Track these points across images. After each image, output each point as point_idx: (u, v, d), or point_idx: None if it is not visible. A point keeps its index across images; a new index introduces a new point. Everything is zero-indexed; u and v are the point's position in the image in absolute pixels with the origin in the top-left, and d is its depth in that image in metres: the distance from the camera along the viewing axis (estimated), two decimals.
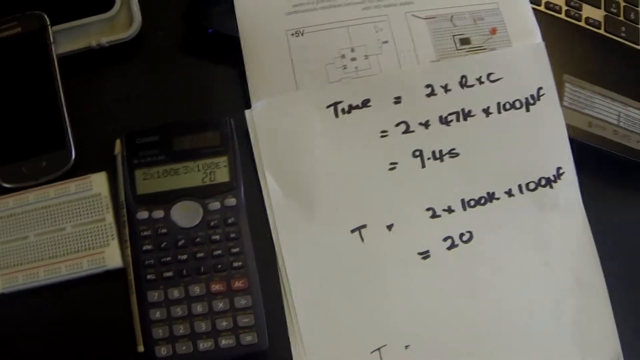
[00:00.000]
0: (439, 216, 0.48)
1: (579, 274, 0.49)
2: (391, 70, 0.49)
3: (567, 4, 0.55)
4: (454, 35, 0.50)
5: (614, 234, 0.52)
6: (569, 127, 0.51)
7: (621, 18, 0.55)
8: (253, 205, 0.48)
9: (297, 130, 0.48)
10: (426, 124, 0.49)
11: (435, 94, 0.49)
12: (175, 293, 0.46)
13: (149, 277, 0.46)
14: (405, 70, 0.49)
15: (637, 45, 0.55)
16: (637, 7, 0.56)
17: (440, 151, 0.49)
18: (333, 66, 0.49)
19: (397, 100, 0.49)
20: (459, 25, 0.51)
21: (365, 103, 0.48)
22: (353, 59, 0.49)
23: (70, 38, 0.50)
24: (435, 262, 0.48)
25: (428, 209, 0.49)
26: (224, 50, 0.50)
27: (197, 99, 0.51)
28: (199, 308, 0.46)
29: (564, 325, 0.49)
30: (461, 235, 0.49)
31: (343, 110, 0.48)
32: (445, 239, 0.48)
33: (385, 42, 0.49)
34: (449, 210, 0.49)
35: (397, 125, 0.49)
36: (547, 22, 0.53)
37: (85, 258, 0.47)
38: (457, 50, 0.50)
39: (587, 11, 0.55)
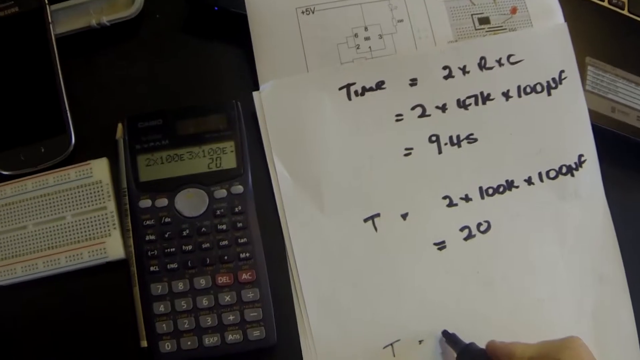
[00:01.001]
0: (455, 205, 0.46)
1: (600, 267, 0.48)
2: (407, 50, 0.47)
3: None
4: (472, 15, 0.48)
5: (635, 224, 0.50)
6: (591, 112, 0.49)
7: None
8: (261, 192, 0.46)
9: (307, 114, 0.46)
10: (443, 108, 0.47)
11: (452, 76, 0.47)
12: (180, 286, 0.44)
13: (152, 268, 0.44)
14: (422, 51, 0.47)
15: None
16: None
17: (458, 136, 0.47)
18: (345, 46, 0.46)
19: (413, 83, 0.46)
20: (477, 4, 0.48)
21: (380, 85, 0.46)
22: (367, 39, 0.46)
23: (69, 17, 0.49)
24: (451, 252, 0.46)
25: (444, 197, 0.46)
26: (231, 29, 0.48)
27: (202, 81, 0.49)
28: (204, 301, 0.44)
29: (583, 318, 0.47)
30: (479, 225, 0.46)
31: (356, 93, 0.46)
32: (462, 229, 0.46)
33: (401, 20, 0.47)
34: (467, 198, 0.47)
35: (413, 108, 0.46)
36: (569, 2, 0.51)
37: (86, 249, 0.45)
38: (475, 30, 0.48)
39: None
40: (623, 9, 0.52)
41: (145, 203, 0.45)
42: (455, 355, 0.43)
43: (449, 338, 0.44)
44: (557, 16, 0.49)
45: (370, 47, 0.46)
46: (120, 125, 0.46)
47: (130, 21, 0.48)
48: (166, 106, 0.47)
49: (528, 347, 0.39)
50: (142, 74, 0.49)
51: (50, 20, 0.47)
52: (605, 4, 0.52)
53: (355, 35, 0.46)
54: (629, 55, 0.51)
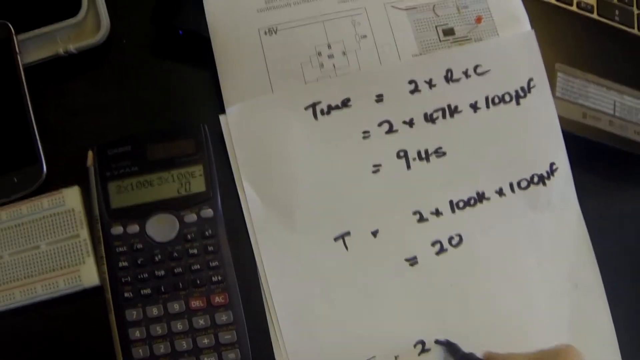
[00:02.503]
0: (426, 220, 0.46)
1: (575, 274, 0.48)
2: (371, 66, 0.46)
3: None
4: (436, 26, 0.48)
5: (612, 230, 0.50)
6: (562, 119, 0.48)
7: (615, 1, 0.53)
8: (231, 215, 0.46)
9: (274, 135, 0.46)
10: (410, 123, 0.47)
11: (419, 90, 0.47)
12: (154, 311, 0.44)
13: (126, 295, 0.45)
14: (387, 66, 0.47)
15: (632, 29, 0.52)
16: None
17: (426, 151, 0.47)
18: (309, 65, 0.46)
19: (379, 99, 0.46)
20: (441, 15, 0.48)
21: (346, 103, 0.46)
22: (330, 56, 0.46)
23: (36, 46, 0.49)
24: (423, 268, 0.46)
25: (415, 213, 0.46)
26: (197, 52, 0.48)
27: (171, 105, 0.49)
28: (179, 326, 0.44)
29: (560, 326, 0.47)
30: (450, 239, 0.46)
31: (322, 111, 0.46)
32: (433, 244, 0.46)
33: (364, 36, 0.47)
34: (437, 213, 0.46)
35: (380, 125, 0.46)
36: (536, 7, 0.50)
37: (61, 277, 0.45)
38: (440, 41, 0.48)
39: None
40: (592, 13, 0.52)
41: (117, 230, 0.45)
42: None
43: (449, 347, 0.45)
44: (524, 23, 0.49)
45: (334, 64, 0.46)
46: (90, 153, 0.46)
47: (97, 48, 0.48)
48: (136, 131, 0.47)
49: (525, 357, 0.40)
50: (111, 100, 0.49)
51: (17, 50, 0.47)
52: (574, 8, 0.52)
53: (319, 53, 0.46)
54: (600, 59, 0.51)
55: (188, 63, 0.49)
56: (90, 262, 0.45)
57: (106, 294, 0.45)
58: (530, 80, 0.48)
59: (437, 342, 0.45)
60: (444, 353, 0.46)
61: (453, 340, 0.45)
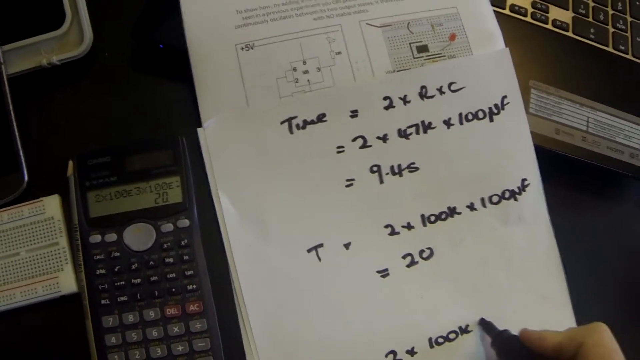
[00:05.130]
0: (397, 233, 0.47)
1: (544, 287, 0.48)
2: (345, 82, 0.47)
3: (533, 6, 0.53)
4: (410, 43, 0.49)
5: (583, 244, 0.51)
6: (535, 135, 0.49)
7: (590, 19, 0.53)
8: (208, 225, 0.47)
9: (250, 148, 0.47)
10: (384, 138, 0.48)
11: (393, 107, 0.48)
12: (130, 318, 0.45)
13: (103, 302, 0.46)
14: (362, 82, 0.48)
15: (607, 47, 0.53)
16: (607, 7, 0.54)
17: (399, 166, 0.48)
18: (284, 80, 0.47)
19: (354, 114, 0.47)
20: (415, 33, 0.49)
21: (321, 118, 0.47)
22: (305, 72, 0.47)
23: (20, 57, 0.49)
24: (394, 280, 0.47)
25: (386, 226, 0.47)
26: (177, 66, 0.49)
27: (151, 117, 0.50)
28: (154, 333, 0.45)
29: None
30: (421, 252, 0.47)
31: (298, 126, 0.47)
32: (404, 256, 0.47)
33: (339, 53, 0.48)
34: (409, 226, 0.47)
35: (354, 140, 0.47)
36: (511, 25, 0.51)
37: (40, 283, 0.46)
38: (414, 58, 0.48)
39: (554, 13, 0.53)
40: (567, 31, 0.53)
41: (95, 238, 0.46)
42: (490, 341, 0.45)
43: (485, 325, 0.46)
44: (498, 42, 0.50)
45: (308, 80, 0.47)
46: (71, 163, 0.47)
47: (80, 60, 0.49)
48: (117, 142, 0.48)
49: (557, 333, 0.42)
50: (93, 111, 0.50)
51: (2, 60, 0.48)
52: (549, 26, 0.52)
53: (294, 69, 0.47)
54: (574, 77, 0.52)
55: (168, 76, 0.50)
56: (69, 269, 0.46)
57: (84, 300, 0.46)
58: (504, 97, 0.49)
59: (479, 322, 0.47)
60: (481, 332, 0.47)
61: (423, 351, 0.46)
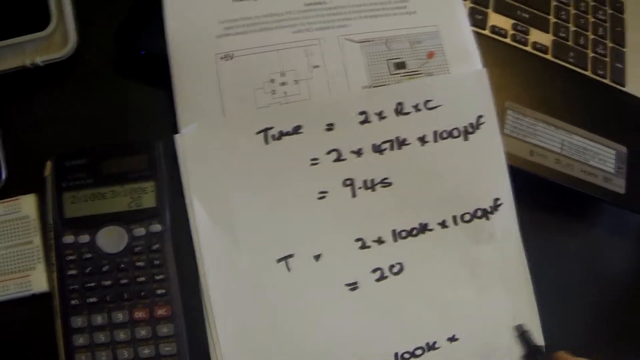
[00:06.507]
0: (368, 247, 0.48)
1: (514, 309, 0.49)
2: (321, 96, 0.48)
3: (513, 28, 0.53)
4: (388, 60, 0.49)
5: (554, 266, 0.51)
6: (510, 155, 0.50)
7: (570, 43, 0.54)
8: (180, 232, 0.47)
9: (225, 157, 0.47)
10: (359, 152, 0.48)
11: (369, 122, 0.48)
12: (99, 319, 0.46)
13: (73, 302, 0.46)
14: (339, 96, 0.48)
15: (586, 71, 0.54)
16: (587, 32, 0.54)
17: (372, 180, 0.48)
18: (262, 91, 0.47)
19: (330, 127, 0.48)
20: (394, 49, 0.49)
21: (297, 129, 0.48)
22: (282, 84, 0.48)
23: (4, 57, 0.50)
24: (363, 293, 0.47)
25: (357, 240, 0.48)
26: (158, 72, 0.49)
27: (130, 121, 0.50)
28: (121, 335, 0.45)
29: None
30: (391, 266, 0.48)
31: (273, 137, 0.47)
32: (374, 271, 0.48)
33: (317, 66, 0.48)
34: (379, 241, 0.48)
35: (329, 153, 0.48)
36: (491, 46, 0.52)
37: (12, 281, 0.47)
38: (391, 75, 0.49)
39: (535, 36, 0.54)
40: (547, 54, 0.53)
41: (69, 239, 0.47)
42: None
43: (522, 334, 0.47)
44: (475, 61, 0.50)
45: (285, 92, 0.48)
46: (49, 163, 0.48)
47: (63, 62, 0.50)
48: (96, 144, 0.48)
49: None
50: (74, 113, 0.50)
51: None
52: (529, 48, 0.53)
53: (272, 80, 0.48)
54: (552, 99, 0.52)
55: (149, 82, 0.51)
56: (41, 268, 0.47)
57: (54, 300, 0.46)
58: (479, 117, 0.49)
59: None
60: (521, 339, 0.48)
61: None
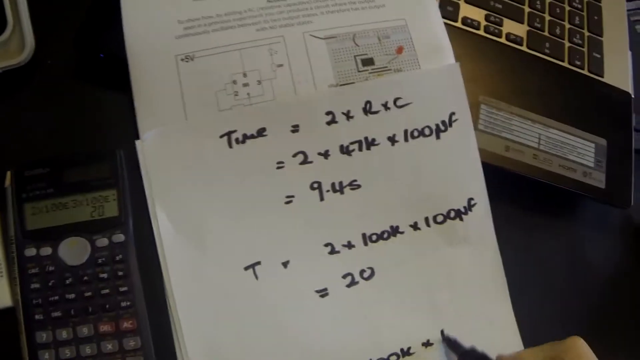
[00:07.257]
0: (337, 252, 0.46)
1: (490, 312, 0.47)
2: (286, 96, 0.46)
3: (486, 19, 0.51)
4: (355, 56, 0.47)
5: (533, 264, 0.50)
6: (484, 152, 0.48)
7: (545, 33, 0.52)
8: (144, 241, 0.46)
9: (188, 162, 0.46)
10: (326, 154, 0.46)
11: (336, 122, 0.47)
12: (64, 334, 0.45)
13: (37, 317, 0.45)
14: (304, 96, 0.47)
15: (562, 62, 0.52)
16: (563, 21, 0.52)
17: (341, 183, 0.47)
18: (224, 93, 0.46)
19: (295, 129, 0.46)
20: (361, 45, 0.48)
21: (261, 132, 0.46)
22: (245, 85, 0.46)
23: None
24: (334, 300, 0.46)
25: (326, 245, 0.46)
26: (119, 76, 0.48)
27: (91, 129, 0.49)
28: (87, 350, 0.44)
29: None
30: (362, 271, 0.46)
31: (237, 140, 0.46)
32: (344, 276, 0.46)
33: (280, 65, 0.47)
34: (349, 245, 0.46)
35: (295, 155, 0.46)
36: (463, 39, 0.50)
37: None
38: (358, 72, 0.47)
39: (509, 26, 0.52)
40: (521, 45, 0.51)
41: (30, 252, 0.45)
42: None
43: (449, 342, 0.46)
44: (448, 55, 0.49)
45: (248, 93, 0.46)
46: (8, 174, 0.47)
47: (21, 68, 0.48)
48: (58, 153, 0.47)
49: (535, 352, 0.41)
50: (34, 121, 0.49)
51: None
52: (503, 39, 0.51)
53: (234, 81, 0.46)
54: (526, 92, 0.51)
55: (111, 87, 0.49)
56: (4, 282, 0.46)
57: (18, 315, 0.45)
58: (452, 114, 0.48)
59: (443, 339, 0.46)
60: (445, 349, 0.46)
61: None
